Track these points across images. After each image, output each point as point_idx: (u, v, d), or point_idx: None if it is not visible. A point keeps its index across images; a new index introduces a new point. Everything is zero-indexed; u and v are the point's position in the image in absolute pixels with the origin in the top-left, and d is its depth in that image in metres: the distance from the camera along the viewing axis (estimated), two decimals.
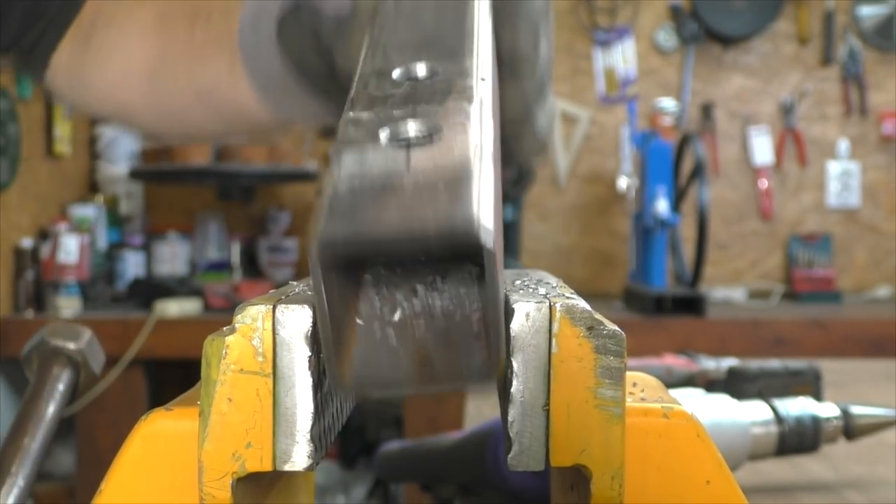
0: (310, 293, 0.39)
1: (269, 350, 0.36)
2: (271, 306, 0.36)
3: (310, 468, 0.36)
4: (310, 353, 0.35)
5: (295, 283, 0.44)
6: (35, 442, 0.65)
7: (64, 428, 2.67)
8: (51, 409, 0.67)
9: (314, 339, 0.36)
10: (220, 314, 2.56)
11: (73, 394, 0.70)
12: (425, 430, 2.38)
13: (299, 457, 0.36)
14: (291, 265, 3.10)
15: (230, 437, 0.36)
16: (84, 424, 2.49)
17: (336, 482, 2.81)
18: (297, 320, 0.36)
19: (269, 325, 0.36)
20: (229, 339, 0.36)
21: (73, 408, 2.46)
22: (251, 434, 0.36)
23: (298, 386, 0.36)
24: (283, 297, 0.38)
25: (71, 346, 0.70)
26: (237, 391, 0.36)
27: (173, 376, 2.85)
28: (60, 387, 0.69)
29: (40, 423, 0.66)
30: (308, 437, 0.36)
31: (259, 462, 0.36)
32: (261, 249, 3.11)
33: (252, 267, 3.12)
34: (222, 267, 3.05)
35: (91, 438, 2.48)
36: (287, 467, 0.36)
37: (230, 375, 0.36)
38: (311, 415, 0.36)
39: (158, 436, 0.37)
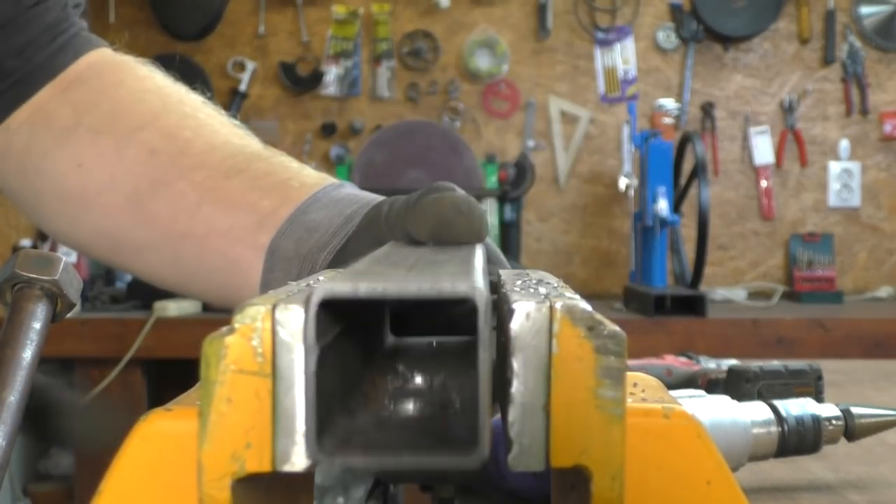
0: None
1: (269, 350, 0.36)
2: (271, 306, 0.36)
3: (309, 469, 0.36)
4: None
5: (294, 283, 0.44)
6: (13, 394, 0.61)
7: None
8: (28, 355, 0.63)
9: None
10: (219, 314, 2.55)
11: (52, 321, 0.66)
12: None
13: (298, 457, 0.36)
14: None
15: (229, 438, 0.36)
16: None
17: (336, 482, 2.81)
18: (296, 320, 0.36)
19: (268, 325, 0.36)
20: (228, 339, 0.36)
21: None
22: (251, 434, 0.36)
23: (298, 386, 0.36)
24: (282, 297, 0.38)
25: (45, 277, 0.66)
26: (236, 391, 0.36)
27: (172, 376, 2.85)
28: (37, 325, 0.64)
29: (18, 372, 0.62)
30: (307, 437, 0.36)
31: (258, 463, 0.36)
32: None
33: None
34: None
35: None
36: (286, 468, 0.36)
37: (229, 376, 0.36)
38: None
39: (158, 436, 0.37)
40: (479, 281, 0.34)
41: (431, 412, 0.40)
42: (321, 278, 0.43)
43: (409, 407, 0.40)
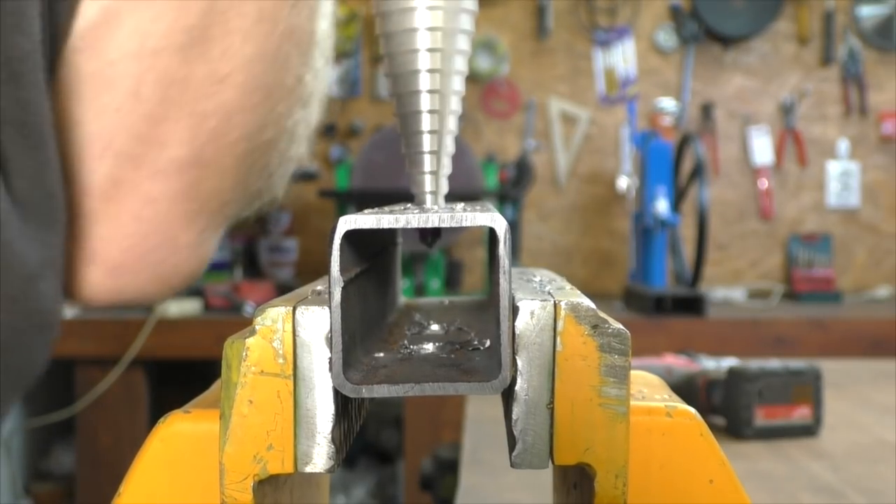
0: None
1: (290, 352, 0.36)
2: (291, 308, 0.36)
3: (331, 469, 0.36)
4: (330, 355, 0.35)
5: (317, 283, 0.44)
6: None
7: (64, 428, 2.67)
8: None
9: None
10: (221, 314, 2.56)
11: None
12: (425, 430, 2.39)
13: (320, 458, 0.36)
14: (292, 265, 3.10)
15: (251, 440, 0.36)
16: (84, 424, 2.49)
17: (336, 482, 2.81)
18: (317, 322, 0.36)
19: (289, 326, 0.36)
20: (249, 341, 0.36)
21: (73, 408, 2.46)
22: (272, 436, 0.36)
23: (319, 387, 0.36)
24: (303, 299, 0.38)
25: None
26: (258, 393, 0.36)
27: (174, 376, 2.86)
28: None
29: None
30: (329, 438, 0.36)
31: (280, 464, 0.36)
32: (261, 249, 3.12)
33: (252, 267, 3.12)
34: (222, 267, 3.05)
35: (91, 438, 2.48)
36: (308, 469, 0.36)
37: (251, 377, 0.36)
38: (332, 416, 0.36)
39: (177, 438, 0.37)
40: (497, 213, 0.35)
41: (451, 350, 0.40)
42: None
43: (429, 347, 0.41)
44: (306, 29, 0.53)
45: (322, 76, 0.58)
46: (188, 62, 0.48)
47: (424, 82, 0.45)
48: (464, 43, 0.46)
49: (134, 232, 0.51)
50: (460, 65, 0.43)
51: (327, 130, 3.23)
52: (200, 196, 0.51)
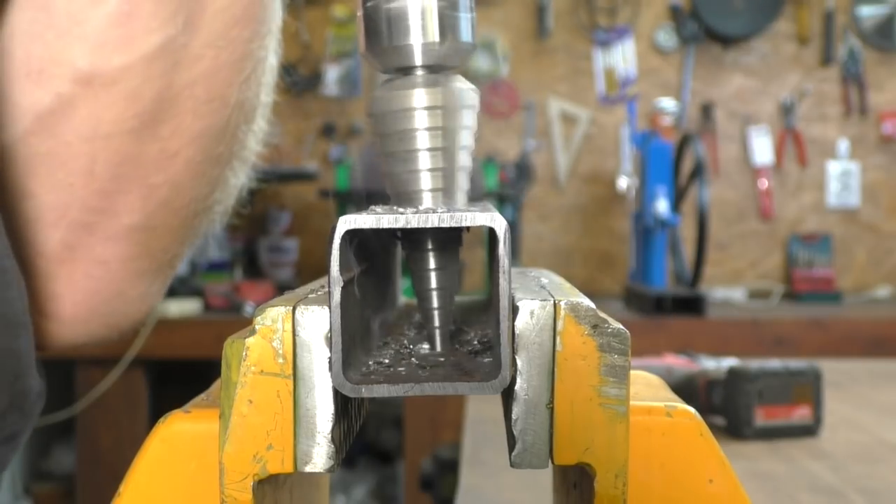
0: None
1: (290, 351, 0.36)
2: (291, 307, 0.36)
3: (330, 469, 0.36)
4: (330, 355, 0.35)
5: (317, 283, 0.44)
6: None
7: (64, 428, 2.67)
8: None
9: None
10: (221, 314, 2.55)
11: None
12: (425, 430, 2.39)
13: (320, 458, 0.36)
14: (291, 265, 3.10)
15: (251, 439, 0.36)
16: (84, 424, 2.49)
17: (336, 482, 2.81)
18: (317, 321, 0.36)
19: (289, 326, 0.36)
20: (249, 340, 0.36)
21: (73, 408, 2.46)
22: (272, 436, 0.36)
23: (319, 387, 0.36)
24: (303, 299, 0.38)
25: None
26: (258, 393, 0.36)
27: (174, 377, 2.86)
28: None
29: None
30: (329, 438, 0.36)
31: (280, 464, 0.36)
32: (261, 249, 3.12)
33: (252, 267, 3.12)
34: (222, 267, 3.05)
35: (91, 439, 2.48)
36: (308, 468, 0.36)
37: (250, 377, 0.36)
38: (332, 416, 0.36)
39: (177, 438, 0.37)
40: (497, 213, 0.35)
41: (450, 349, 0.41)
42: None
43: (428, 347, 0.41)
44: (254, 103, 0.55)
45: (258, 136, 0.60)
46: (140, 142, 0.50)
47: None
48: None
49: (85, 288, 0.54)
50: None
51: (327, 130, 3.23)
52: (150, 255, 0.55)
